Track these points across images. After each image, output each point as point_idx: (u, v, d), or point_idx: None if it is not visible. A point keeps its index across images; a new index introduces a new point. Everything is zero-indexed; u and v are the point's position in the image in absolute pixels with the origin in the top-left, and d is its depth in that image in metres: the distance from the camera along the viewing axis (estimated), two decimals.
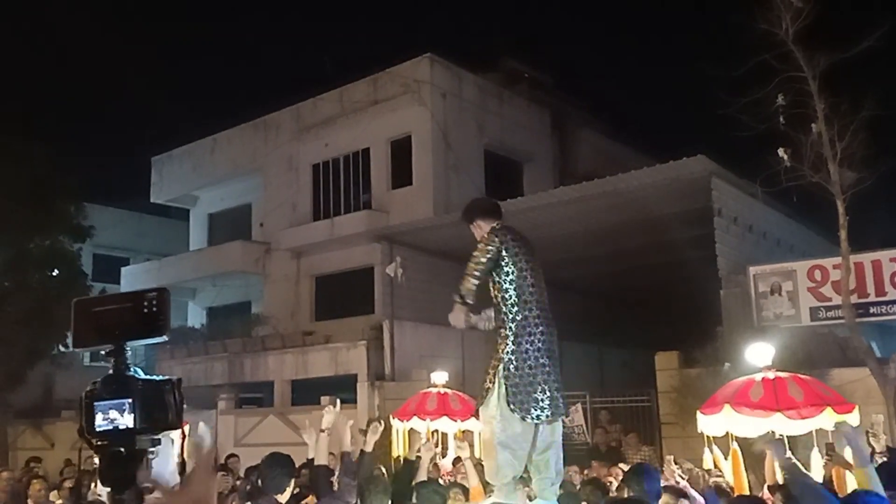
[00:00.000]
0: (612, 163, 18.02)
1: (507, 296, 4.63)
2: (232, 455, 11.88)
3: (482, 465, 5.41)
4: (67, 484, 8.77)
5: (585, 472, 9.13)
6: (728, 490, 7.57)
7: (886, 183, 10.48)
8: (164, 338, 1.79)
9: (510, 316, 4.62)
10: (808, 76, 10.42)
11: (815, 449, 8.18)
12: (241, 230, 22.37)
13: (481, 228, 4.89)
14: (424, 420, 10.64)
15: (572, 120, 21.48)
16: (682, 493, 5.78)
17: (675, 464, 7.40)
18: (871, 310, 11.45)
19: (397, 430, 10.99)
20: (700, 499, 6.30)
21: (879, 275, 11.52)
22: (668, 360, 12.80)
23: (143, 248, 27.29)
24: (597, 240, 14.88)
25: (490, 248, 4.64)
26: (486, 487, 4.94)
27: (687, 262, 13.55)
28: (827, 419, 8.00)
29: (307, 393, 17.16)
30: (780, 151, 10.49)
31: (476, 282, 4.61)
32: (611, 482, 7.77)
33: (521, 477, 4.75)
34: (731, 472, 8.02)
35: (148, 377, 1.70)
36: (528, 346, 4.58)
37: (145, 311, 1.73)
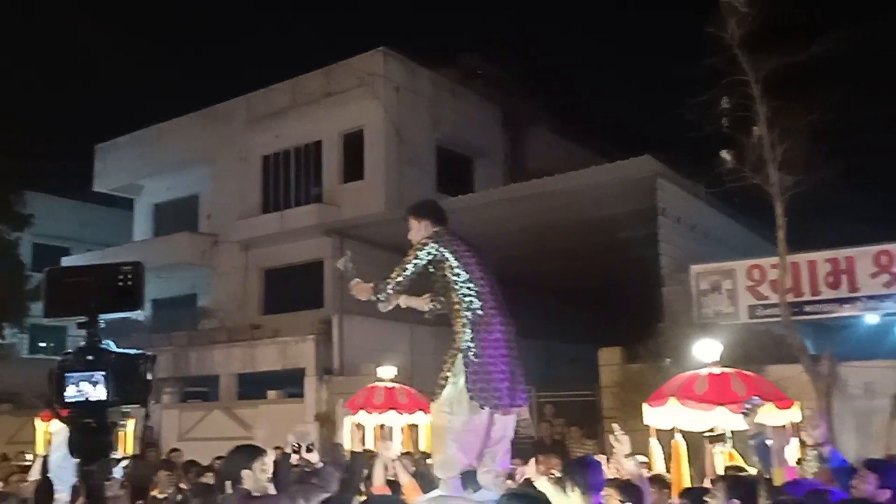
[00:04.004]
0: (562, 160, 18.25)
1: (461, 291, 4.70)
2: (175, 449, 11.77)
3: (423, 460, 5.44)
4: None
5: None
6: (668, 481, 7.77)
7: (824, 186, 10.79)
8: (139, 312, 1.81)
9: (467, 308, 4.68)
10: (751, 80, 10.68)
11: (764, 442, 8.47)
12: (188, 221, 22.04)
13: (421, 229, 4.94)
14: (371, 414, 10.69)
15: (524, 117, 21.69)
16: (628, 486, 5.90)
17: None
18: (806, 309, 11.88)
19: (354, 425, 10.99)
20: (648, 489, 6.47)
21: (815, 275, 11.95)
22: (611, 356, 13.08)
23: (85, 238, 26.71)
24: (545, 237, 15.07)
25: (422, 252, 4.75)
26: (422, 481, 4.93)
27: (632, 259, 13.82)
28: (768, 414, 8.31)
29: (254, 387, 17.04)
30: (723, 153, 10.77)
31: (397, 284, 4.75)
32: (553, 474, 7.92)
33: (469, 470, 4.76)
34: (668, 465, 8.26)
35: (122, 350, 1.72)
36: (487, 335, 4.64)
37: (120, 284, 1.74)
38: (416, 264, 4.74)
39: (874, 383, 10.77)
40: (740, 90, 10.76)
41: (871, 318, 12.78)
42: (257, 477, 3.96)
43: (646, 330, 12.49)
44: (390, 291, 4.78)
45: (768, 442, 8.18)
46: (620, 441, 5.29)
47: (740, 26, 10.58)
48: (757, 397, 6.90)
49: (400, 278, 4.77)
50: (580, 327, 17.82)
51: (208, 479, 7.42)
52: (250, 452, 4.10)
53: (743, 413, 6.68)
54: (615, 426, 5.39)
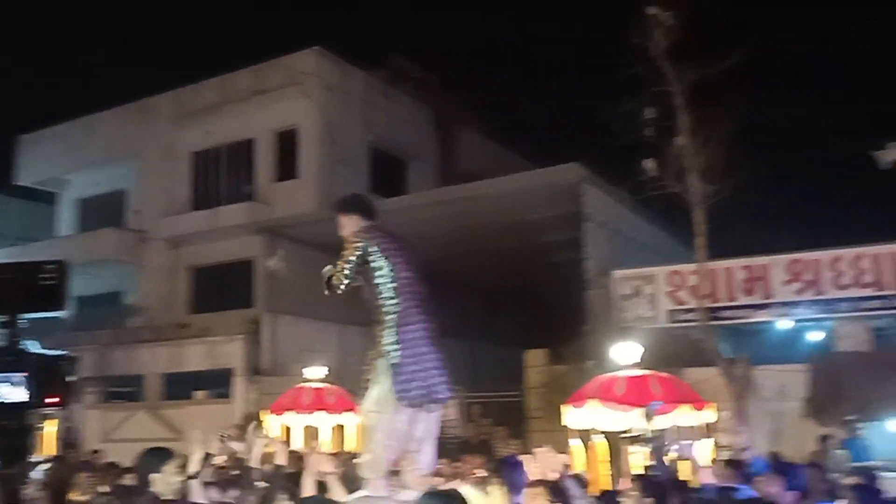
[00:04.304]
0: (494, 165, 18.49)
1: (384, 289, 4.69)
2: (96, 451, 11.53)
3: (350, 460, 5.43)
4: None
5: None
6: (586, 480, 7.99)
7: (742, 195, 11.20)
8: (63, 312, 1.83)
9: (389, 307, 4.68)
10: (675, 90, 11.01)
11: (675, 444, 8.80)
12: (115, 217, 21.48)
13: (352, 224, 4.93)
14: (300, 415, 10.67)
15: (457, 121, 21.87)
16: (551, 485, 6.08)
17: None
18: (723, 314, 12.36)
19: (281, 427, 10.94)
20: (576, 490, 6.67)
21: (731, 281, 12.47)
22: (537, 358, 13.38)
23: (6, 232, 25.74)
24: (475, 239, 15.27)
25: (358, 246, 4.73)
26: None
27: (558, 263, 14.12)
28: (685, 415, 8.64)
29: (181, 387, 16.78)
30: (646, 162, 11.11)
31: (346, 280, 4.71)
32: (475, 474, 8.07)
33: (393, 470, 4.77)
34: (587, 464, 8.51)
35: (43, 351, 1.76)
36: (409, 334, 4.65)
37: (42, 283, 1.76)
38: (352, 261, 4.73)
39: (786, 386, 11.30)
40: (664, 100, 11.10)
41: (784, 324, 13.40)
42: (168, 480, 3.89)
43: (570, 332, 12.80)
44: (343, 288, 4.76)
45: (684, 443, 8.54)
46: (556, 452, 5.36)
47: (665, 38, 10.90)
48: (657, 402, 7.19)
49: (347, 271, 4.73)
50: (508, 329, 18.08)
51: (129, 480, 7.31)
52: (160, 455, 3.99)
53: (645, 416, 6.96)
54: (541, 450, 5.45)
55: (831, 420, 10.52)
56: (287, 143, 18.92)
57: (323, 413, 10.73)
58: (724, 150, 10.64)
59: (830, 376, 10.86)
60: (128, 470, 8.06)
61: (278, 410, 10.94)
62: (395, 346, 4.63)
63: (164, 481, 3.89)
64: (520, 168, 14.09)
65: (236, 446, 6.94)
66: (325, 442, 10.74)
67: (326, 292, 4.87)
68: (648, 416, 6.94)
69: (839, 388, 10.61)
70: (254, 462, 5.45)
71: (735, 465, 6.98)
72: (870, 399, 10.25)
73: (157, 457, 3.99)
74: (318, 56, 18.78)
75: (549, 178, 13.20)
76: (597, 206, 13.39)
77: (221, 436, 7.20)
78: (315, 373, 11.14)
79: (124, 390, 18.17)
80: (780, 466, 6.22)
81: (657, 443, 5.69)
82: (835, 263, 11.99)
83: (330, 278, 4.80)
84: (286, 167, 18.88)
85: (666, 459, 8.38)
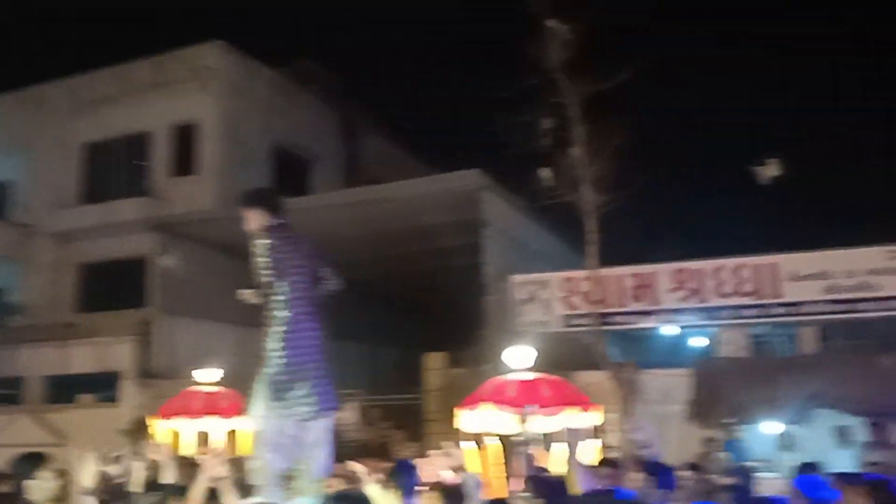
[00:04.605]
0: (398, 171, 18.53)
1: (277, 292, 4.63)
2: None
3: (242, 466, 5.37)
4: None
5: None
6: (481, 482, 8.16)
7: (633, 205, 11.62)
8: None
9: (280, 310, 4.62)
10: (570, 102, 11.25)
11: (565, 445, 9.06)
12: None
13: (256, 219, 4.83)
14: (190, 420, 10.40)
15: (362, 125, 21.86)
16: (446, 488, 6.19)
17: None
18: (613, 319, 12.82)
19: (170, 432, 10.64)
20: (473, 490, 6.80)
21: (621, 288, 12.95)
22: (436, 361, 13.53)
23: None
24: (377, 243, 15.30)
25: (266, 244, 4.65)
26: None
27: (458, 268, 14.32)
28: (574, 417, 8.90)
29: (66, 390, 16.11)
30: (541, 171, 11.40)
31: (269, 279, 4.63)
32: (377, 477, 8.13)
33: (285, 476, 4.71)
34: (481, 467, 8.67)
35: None
36: (295, 342, 4.60)
37: None
38: (266, 260, 4.63)
39: (670, 390, 11.80)
40: (560, 111, 11.39)
41: (670, 330, 14.01)
42: (43, 487, 3.80)
43: (469, 336, 13.01)
44: (268, 290, 4.66)
45: (570, 444, 8.79)
46: (451, 455, 5.48)
47: (562, 51, 11.18)
48: (532, 406, 7.40)
49: (267, 271, 4.64)
50: (410, 332, 18.18)
51: (5, 487, 7.00)
52: (34, 461, 3.92)
53: (520, 420, 7.14)
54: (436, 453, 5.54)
55: (711, 422, 11.08)
56: (186, 139, 18.44)
57: (215, 418, 10.48)
58: (615, 161, 10.99)
59: (711, 381, 11.44)
60: (2, 476, 7.72)
61: (167, 415, 10.64)
62: (280, 352, 4.59)
63: (39, 488, 3.80)
64: (424, 174, 14.20)
65: (113, 470, 6.60)
66: (219, 446, 10.51)
67: (254, 301, 4.77)
68: (523, 420, 7.15)
69: (718, 391, 11.19)
70: (134, 486, 5.30)
71: (612, 465, 7.27)
72: (746, 403, 10.85)
73: (32, 463, 3.90)
74: (222, 51, 18.41)
75: (448, 183, 13.39)
76: (495, 213, 13.64)
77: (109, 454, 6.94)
78: (207, 376, 10.86)
79: (5, 393, 17.32)
80: (652, 467, 6.53)
81: (521, 449, 5.88)
82: (717, 273, 12.58)
83: (253, 290, 4.70)
84: (184, 163, 18.41)
85: (553, 459, 8.65)
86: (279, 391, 4.56)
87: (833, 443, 11.07)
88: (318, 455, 4.71)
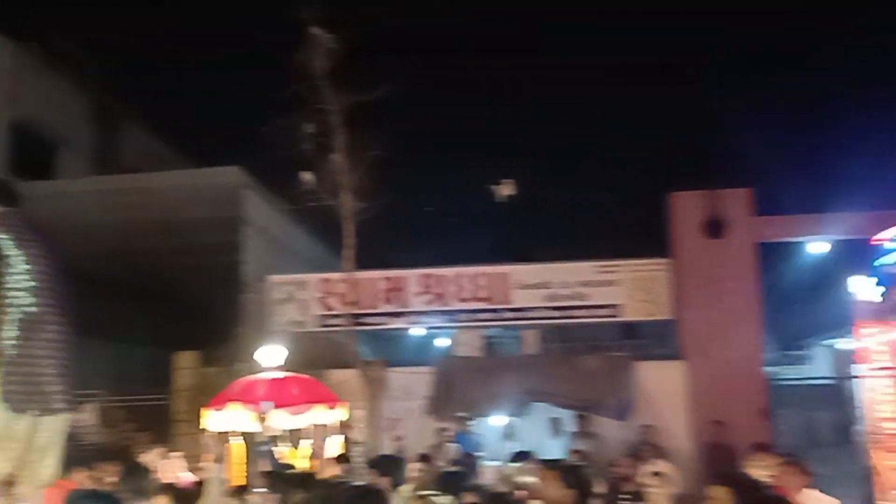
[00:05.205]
0: (159, 164, 17.72)
1: (14, 284, 4.44)
2: None
3: None
4: None
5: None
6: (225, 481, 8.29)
7: (387, 213, 12.11)
8: None
9: (18, 304, 4.43)
10: (332, 110, 11.49)
11: (310, 441, 9.39)
12: None
13: None
14: None
15: (120, 114, 20.66)
16: (178, 491, 6.24)
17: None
18: (366, 320, 13.40)
19: None
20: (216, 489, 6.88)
21: (374, 291, 13.57)
22: (187, 360, 13.28)
23: None
24: (129, 236, 14.62)
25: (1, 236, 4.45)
26: None
27: (216, 265, 14.12)
28: (321, 414, 9.26)
29: None
30: (303, 175, 11.66)
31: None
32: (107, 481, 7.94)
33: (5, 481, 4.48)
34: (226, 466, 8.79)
35: None
36: (33, 337, 4.44)
37: None
38: None
39: (412, 386, 12.57)
40: (323, 118, 11.68)
41: (417, 331, 14.88)
42: None
43: (225, 335, 12.90)
44: None
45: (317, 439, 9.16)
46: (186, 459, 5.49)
47: (326, 59, 11.38)
48: (269, 402, 7.73)
49: None
50: (162, 331, 17.54)
51: None
52: None
53: (257, 418, 7.44)
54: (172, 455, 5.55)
55: (446, 416, 11.99)
56: None
57: None
58: (373, 171, 11.49)
59: (448, 378, 12.36)
60: None
61: None
62: (15, 347, 4.39)
63: None
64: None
65: None
66: None
67: None
68: (262, 418, 7.46)
69: (453, 387, 12.15)
70: None
71: (346, 460, 7.77)
72: (477, 397, 11.88)
73: None
74: None
75: (208, 178, 13.19)
76: (256, 212, 13.65)
77: None
78: None
79: None
80: (382, 459, 7.09)
81: (266, 446, 6.17)
82: (458, 279, 13.58)
83: None
84: None
85: (300, 455, 8.98)
86: (9, 385, 4.37)
87: (547, 433, 12.44)
88: (47, 458, 4.55)
